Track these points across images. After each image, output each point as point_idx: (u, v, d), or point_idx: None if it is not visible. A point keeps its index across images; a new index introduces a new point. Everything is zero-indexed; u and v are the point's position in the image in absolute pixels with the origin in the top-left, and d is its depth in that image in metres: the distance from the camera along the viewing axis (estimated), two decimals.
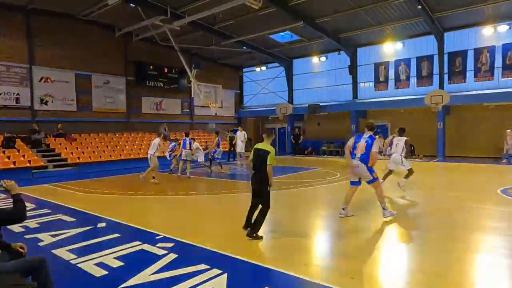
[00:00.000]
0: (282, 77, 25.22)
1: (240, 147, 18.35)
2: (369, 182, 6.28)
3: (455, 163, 16.47)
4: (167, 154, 14.13)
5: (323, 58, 22.98)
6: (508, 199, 7.95)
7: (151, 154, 11.26)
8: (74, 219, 6.67)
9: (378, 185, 6.32)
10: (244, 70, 27.61)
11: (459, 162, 16.54)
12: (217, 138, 14.58)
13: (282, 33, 19.94)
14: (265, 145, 5.36)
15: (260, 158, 5.28)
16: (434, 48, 18.67)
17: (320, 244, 5.44)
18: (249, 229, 5.30)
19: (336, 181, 11.26)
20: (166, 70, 21.53)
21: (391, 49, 20.13)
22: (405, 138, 9.08)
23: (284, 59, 24.43)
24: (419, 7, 15.08)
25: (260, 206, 5.39)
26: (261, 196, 5.34)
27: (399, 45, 19.89)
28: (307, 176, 12.74)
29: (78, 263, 4.36)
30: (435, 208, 7.36)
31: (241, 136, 18.29)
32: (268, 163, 5.17)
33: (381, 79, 20.71)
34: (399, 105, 19.95)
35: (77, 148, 16.16)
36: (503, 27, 16.78)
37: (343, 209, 6.48)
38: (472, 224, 6.16)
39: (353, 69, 21.56)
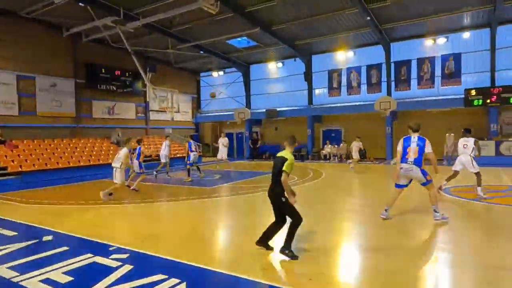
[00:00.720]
0: (240, 82, 25.36)
1: (222, 152, 17.78)
2: (423, 184, 6.26)
3: None
4: (135, 163, 11.42)
5: (279, 64, 23.48)
6: (449, 197, 8.61)
7: (116, 168, 9.27)
8: (16, 233, 6.14)
9: (432, 187, 6.26)
10: (202, 74, 27.37)
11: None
12: (187, 143, 13.82)
13: (239, 39, 20.07)
14: (284, 153, 4.86)
15: (277, 166, 4.74)
16: (382, 57, 19.86)
17: (278, 247, 5.49)
18: (282, 246, 4.69)
19: (294, 185, 11.47)
20: (119, 73, 20.68)
21: (343, 57, 21.11)
22: (473, 138, 8.48)
23: (241, 64, 24.59)
24: (368, 18, 16.00)
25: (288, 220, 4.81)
26: (283, 211, 4.77)
27: (350, 53, 20.91)
28: (265, 180, 12.85)
29: (21, 281, 4.01)
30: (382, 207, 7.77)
31: (223, 142, 17.84)
32: (284, 169, 4.62)
33: (335, 85, 21.60)
34: (351, 110, 20.91)
35: (19, 155, 14.91)
36: (441, 40, 18.32)
37: (385, 210, 6.46)
38: (417, 223, 6.57)
39: (308, 76, 22.27)
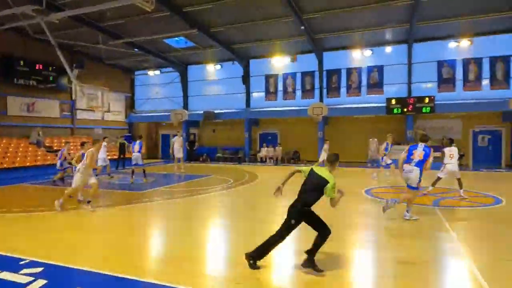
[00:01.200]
0: (177, 83, 24.78)
1: (177, 151, 16.91)
2: (409, 187, 6.88)
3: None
4: (58, 162, 12.05)
5: (218, 67, 23.43)
6: (370, 198, 9.38)
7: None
8: None
9: (415, 193, 6.98)
10: (136, 73, 26.16)
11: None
12: (138, 142, 13.07)
13: (176, 38, 19.62)
14: (324, 172, 4.41)
15: (314, 185, 4.36)
16: (315, 65, 20.94)
17: (210, 253, 5.49)
18: (305, 259, 4.33)
19: (229, 188, 11.54)
20: (41, 66, 18.82)
21: (280, 63, 21.80)
22: (456, 148, 9.44)
23: (179, 65, 24.06)
24: (302, 27, 16.78)
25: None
26: (312, 221, 4.43)
27: (287, 60, 21.68)
28: (202, 183, 12.73)
29: None
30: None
31: (179, 141, 16.98)
32: (328, 195, 4.33)
33: (271, 90, 22.22)
34: (287, 114, 21.68)
35: None
36: (367, 52, 19.87)
37: (407, 211, 6.88)
38: (344, 222, 7.04)
39: (246, 79, 22.58)
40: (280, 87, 22.08)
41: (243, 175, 14.72)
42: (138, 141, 13.11)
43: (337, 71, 20.66)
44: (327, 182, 4.22)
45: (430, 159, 6.88)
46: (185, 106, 24.45)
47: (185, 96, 24.70)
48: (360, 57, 20.08)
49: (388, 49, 19.58)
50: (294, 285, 4.12)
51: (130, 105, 26.21)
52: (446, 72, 18.60)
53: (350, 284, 4.14)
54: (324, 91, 20.90)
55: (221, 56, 22.15)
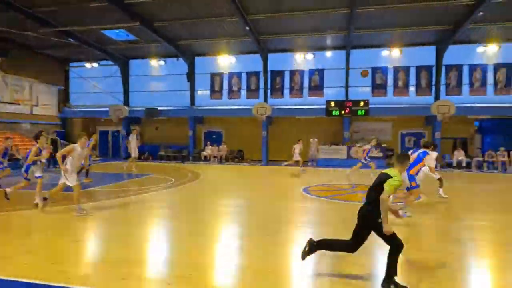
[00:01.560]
0: (117, 77, 23.59)
1: (134, 149, 15.80)
2: (407, 189, 7.17)
3: (275, 166, 19.18)
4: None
5: (162, 62, 22.78)
6: (307, 196, 9.84)
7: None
8: None
9: (415, 194, 7.24)
10: (72, 64, 24.41)
11: (278, 166, 19.33)
12: (89, 140, 11.98)
13: (117, 30, 18.69)
14: (391, 170, 4.08)
15: (376, 182, 4.04)
16: (260, 66, 21.32)
17: (143, 254, 5.36)
18: (384, 280, 3.86)
19: (170, 187, 11.32)
20: None
21: (226, 62, 21.83)
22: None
23: (119, 58, 22.94)
24: (247, 28, 17.00)
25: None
26: (379, 234, 3.98)
27: (233, 59, 21.78)
28: (141, 183, 12.31)
29: None
30: (251, 207, 8.40)
31: (135, 139, 15.83)
32: (385, 187, 3.87)
33: (217, 88, 22.16)
34: (232, 113, 21.79)
35: None
36: (309, 55, 20.74)
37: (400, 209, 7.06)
38: (281, 219, 7.32)
39: (191, 76, 22.25)
40: (226, 86, 22.12)
41: (185, 174, 14.52)
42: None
43: (281, 73, 21.26)
44: (389, 176, 3.94)
45: (428, 163, 7.54)
46: (126, 102, 23.40)
47: (126, 91, 23.64)
48: (302, 60, 20.88)
49: (329, 53, 20.65)
50: (226, 284, 4.21)
51: (64, 98, 24.37)
52: (379, 78, 20.10)
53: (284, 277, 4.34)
54: (269, 91, 21.38)
55: (165, 51, 21.56)
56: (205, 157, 21.47)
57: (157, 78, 23.65)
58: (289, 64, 21.43)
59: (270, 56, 21.40)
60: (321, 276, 4.32)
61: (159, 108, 22.13)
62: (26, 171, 7.93)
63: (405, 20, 16.70)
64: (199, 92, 22.98)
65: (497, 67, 18.61)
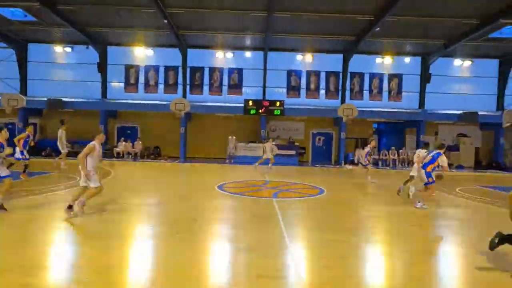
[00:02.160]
0: (12, 62, 20.74)
1: (63, 144, 13.42)
2: (424, 184, 8.39)
3: (192, 163, 19.04)
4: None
5: (68, 49, 20.75)
6: (221, 193, 10.03)
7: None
8: None
9: (429, 189, 8.38)
10: None
11: (195, 163, 19.24)
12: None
13: (12, 9, 16.42)
14: None
15: None
16: (179, 60, 20.87)
17: (34, 259, 4.91)
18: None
19: (74, 186, 10.43)
20: None
21: (142, 54, 20.83)
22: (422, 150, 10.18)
23: (15, 40, 20.19)
24: (165, 21, 16.49)
25: None
26: None
27: (150, 51, 20.89)
28: (40, 182, 11.08)
29: None
30: (164, 205, 8.27)
31: (65, 133, 13.47)
32: None
33: (132, 81, 21.05)
34: (148, 108, 20.93)
35: None
36: (229, 54, 21.02)
37: (418, 201, 8.41)
38: (201, 217, 7.33)
39: (102, 67, 20.71)
40: (142, 79, 21.13)
41: None
42: None
43: (201, 69, 21.14)
44: None
45: (441, 164, 8.20)
46: (23, 91, 20.73)
47: (23, 79, 20.95)
48: (222, 58, 21.06)
49: (248, 53, 21.19)
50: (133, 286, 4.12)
51: None
52: (294, 81, 21.37)
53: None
54: (188, 87, 21.07)
55: (73, 37, 19.67)
56: (118, 153, 20.23)
57: (63, 66, 21.47)
58: (209, 61, 21.42)
59: (190, 51, 21.11)
60: (238, 274, 4.51)
61: (64, 100, 20.10)
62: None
63: (317, 28, 18.04)
64: (112, 84, 21.55)
65: (391, 77, 21.33)
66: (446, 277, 4.53)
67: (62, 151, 14.17)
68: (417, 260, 5.00)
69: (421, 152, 9.74)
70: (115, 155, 20.13)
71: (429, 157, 8.36)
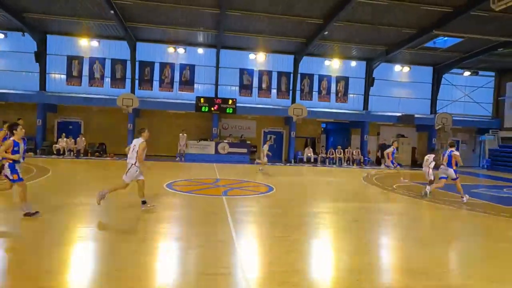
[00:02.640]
0: None
1: None
2: (453, 179, 9.58)
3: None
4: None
5: (1, 36, 18.88)
6: (169, 191, 9.82)
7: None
8: None
9: (458, 182, 9.58)
10: None
11: (144, 160, 18.52)
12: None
13: None
14: None
15: None
16: (128, 54, 19.99)
17: None
18: None
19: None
20: None
21: (86, 45, 19.63)
22: (433, 155, 11.47)
23: None
24: (112, 12, 15.69)
25: None
26: None
27: (95, 42, 19.74)
28: None
29: None
30: (108, 205, 7.90)
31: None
32: None
33: (75, 73, 19.78)
34: (93, 103, 19.81)
35: None
36: (181, 50, 20.56)
37: (462, 196, 9.49)
38: (140, 217, 7.09)
39: (41, 57, 19.16)
40: (86, 71, 19.92)
41: (29, 170, 12.49)
42: None
43: (151, 64, 20.47)
44: None
45: (456, 159, 9.53)
46: None
47: None
48: (174, 53, 20.55)
49: (200, 50, 20.91)
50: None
51: None
52: (246, 79, 21.51)
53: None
54: (136, 82, 20.28)
55: (6, 23, 17.95)
56: (58, 150, 18.87)
57: None
58: (160, 56, 20.80)
59: (139, 45, 20.33)
60: (183, 273, 4.44)
61: None
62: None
63: (269, 29, 18.32)
64: (52, 76, 20.04)
65: (338, 79, 22.34)
66: (385, 268, 4.89)
67: None
68: (358, 252, 5.33)
69: (430, 156, 11.38)
70: (55, 152, 18.76)
71: (445, 158, 9.69)
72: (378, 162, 22.52)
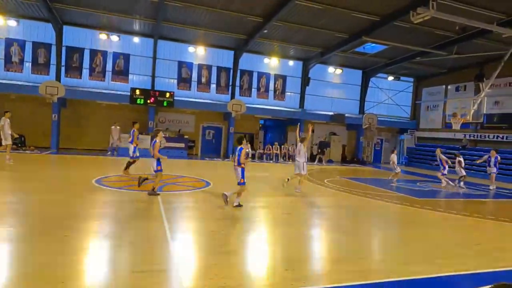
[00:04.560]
0: None
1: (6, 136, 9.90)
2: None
3: (67, 155, 16.98)
4: None
5: None
6: (99, 187, 9.26)
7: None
8: None
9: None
10: None
11: (72, 155, 17.21)
12: None
13: None
14: None
15: None
16: (53, 38, 18.26)
17: None
18: None
19: None
20: None
21: (2, 24, 17.46)
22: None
23: None
24: None
25: None
26: None
27: (12, 22, 17.66)
28: None
29: None
30: (31, 202, 7.21)
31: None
32: None
33: None
34: (10, 89, 17.72)
35: None
36: (115, 37, 19.35)
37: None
38: (67, 214, 6.56)
39: None
40: (1, 54, 17.76)
41: None
42: None
43: (80, 50, 18.95)
44: None
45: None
46: None
47: None
48: (106, 40, 19.28)
49: (136, 39, 19.90)
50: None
51: None
52: (185, 72, 21.04)
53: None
54: (62, 69, 18.64)
55: None
56: None
57: None
58: (91, 42, 19.37)
59: (67, 28, 18.70)
60: (111, 272, 4.23)
61: None
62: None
63: (209, 23, 18.09)
64: None
65: (276, 77, 22.96)
66: (312, 257, 5.21)
67: (7, 142, 12.35)
68: (289, 243, 5.60)
69: (394, 156, 14.21)
70: None
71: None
72: (312, 158, 23.69)
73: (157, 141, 8.56)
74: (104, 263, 4.40)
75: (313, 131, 24.66)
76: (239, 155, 7.65)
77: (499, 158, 14.53)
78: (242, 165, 7.65)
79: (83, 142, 19.99)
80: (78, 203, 7.48)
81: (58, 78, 18.32)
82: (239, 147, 7.75)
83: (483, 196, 12.62)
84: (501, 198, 12.45)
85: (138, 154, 11.74)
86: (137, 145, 11.81)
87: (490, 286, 1.68)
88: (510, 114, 20.07)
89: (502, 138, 20.26)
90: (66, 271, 3.96)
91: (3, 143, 12.42)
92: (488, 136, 20.93)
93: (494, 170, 14.46)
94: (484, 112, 21.18)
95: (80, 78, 19.02)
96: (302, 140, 10.86)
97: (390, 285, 4.13)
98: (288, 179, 10.35)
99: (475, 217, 8.48)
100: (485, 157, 15.03)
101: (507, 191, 14.06)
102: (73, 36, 18.90)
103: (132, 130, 11.97)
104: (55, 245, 4.73)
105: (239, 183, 7.67)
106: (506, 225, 7.93)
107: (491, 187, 14.36)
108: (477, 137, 21.59)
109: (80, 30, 19.04)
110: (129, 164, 11.59)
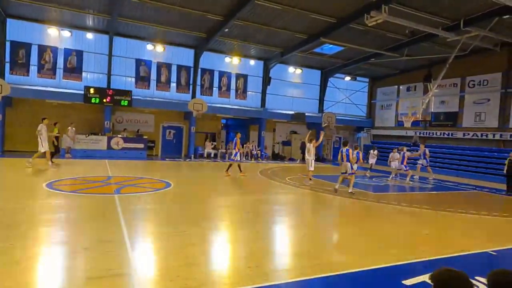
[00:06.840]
0: None
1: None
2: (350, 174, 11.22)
3: (13, 158, 15.79)
4: None
5: None
6: (50, 191, 8.70)
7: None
8: None
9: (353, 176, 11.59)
10: None
11: (18, 158, 16.02)
12: None
13: None
14: None
15: None
16: None
17: None
18: None
19: None
20: None
21: None
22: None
23: None
24: None
25: None
26: None
27: None
28: None
29: None
30: None
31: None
32: None
33: None
34: None
35: None
36: (66, 33, 18.27)
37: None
38: (27, 220, 6.10)
39: None
40: None
41: None
42: None
43: (26, 45, 17.69)
44: None
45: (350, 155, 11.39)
46: None
47: None
48: (57, 36, 18.15)
49: (90, 35, 18.92)
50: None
51: None
52: (143, 71, 20.38)
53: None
54: (7, 65, 17.30)
55: None
56: None
57: None
58: (39, 37, 18.13)
59: (11, 22, 17.38)
60: (64, 280, 3.98)
61: None
62: None
63: (168, 20, 17.62)
64: None
65: (238, 76, 22.96)
66: (274, 253, 5.27)
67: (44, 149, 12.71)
68: (251, 241, 5.62)
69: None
70: None
71: (344, 155, 11.21)
72: (274, 157, 23.99)
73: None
74: (56, 271, 4.15)
75: (274, 130, 25.01)
76: (347, 155, 10.46)
77: (427, 151, 16.66)
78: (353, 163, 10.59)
79: (32, 144, 18.60)
80: (27, 209, 6.98)
81: (1, 75, 16.98)
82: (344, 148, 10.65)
83: (430, 189, 13.53)
84: (444, 191, 13.42)
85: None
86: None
87: (434, 271, 1.80)
88: (454, 113, 21.68)
89: (448, 135, 21.83)
90: (11, 283, 3.68)
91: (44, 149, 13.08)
92: (436, 133, 22.45)
93: (425, 162, 16.49)
94: (432, 110, 22.68)
95: (28, 75, 17.75)
96: (310, 141, 12.69)
97: (351, 276, 4.29)
98: (311, 179, 12.46)
99: (424, 208, 9.06)
100: (420, 151, 16.85)
101: (451, 184, 15.19)
102: (18, 30, 17.59)
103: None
104: (9, 256, 4.37)
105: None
106: (447, 214, 8.56)
107: (430, 178, 15.93)
108: (426, 134, 23.08)
109: (27, 24, 17.75)
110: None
